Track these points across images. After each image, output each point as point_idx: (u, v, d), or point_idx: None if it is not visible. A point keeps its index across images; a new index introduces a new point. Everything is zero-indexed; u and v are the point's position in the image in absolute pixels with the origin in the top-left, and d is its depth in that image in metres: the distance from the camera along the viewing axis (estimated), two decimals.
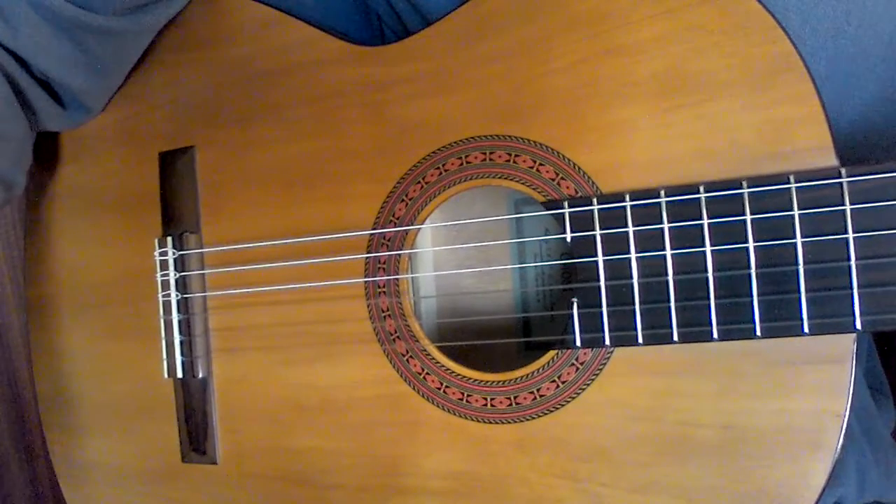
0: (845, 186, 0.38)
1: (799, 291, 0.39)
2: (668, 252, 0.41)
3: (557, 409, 0.45)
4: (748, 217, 0.39)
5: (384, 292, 0.50)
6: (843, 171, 0.38)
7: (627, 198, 0.42)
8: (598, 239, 0.43)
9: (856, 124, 0.41)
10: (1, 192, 0.54)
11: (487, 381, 0.47)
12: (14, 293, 0.91)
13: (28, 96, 0.53)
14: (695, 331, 0.41)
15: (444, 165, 0.48)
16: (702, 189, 0.40)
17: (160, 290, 0.57)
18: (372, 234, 0.50)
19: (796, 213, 0.38)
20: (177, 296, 0.57)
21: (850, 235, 0.38)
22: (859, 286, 0.38)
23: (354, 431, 0.51)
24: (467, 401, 0.48)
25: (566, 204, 0.44)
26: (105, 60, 0.55)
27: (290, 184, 0.53)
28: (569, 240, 0.44)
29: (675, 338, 0.41)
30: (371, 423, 0.51)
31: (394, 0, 0.61)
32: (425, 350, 0.49)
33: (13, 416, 0.92)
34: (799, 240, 0.39)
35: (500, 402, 0.47)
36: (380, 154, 0.50)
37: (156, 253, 0.57)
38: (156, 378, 0.58)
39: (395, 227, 0.50)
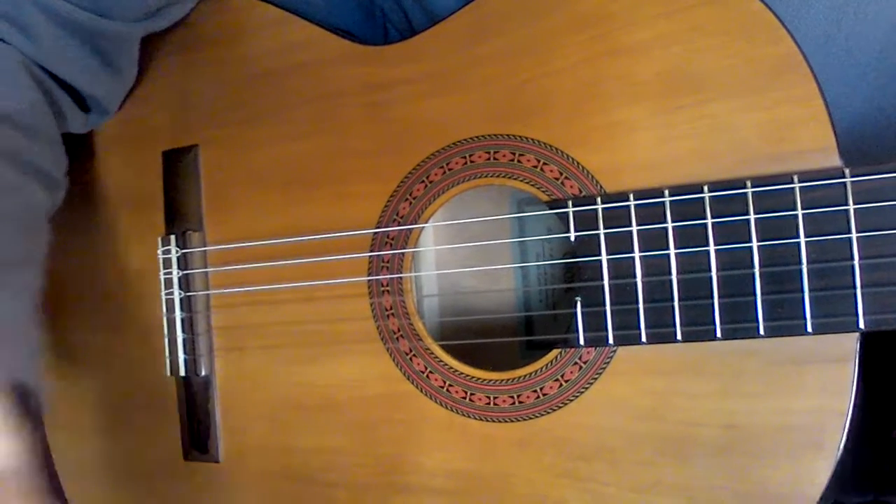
0: (849, 186, 0.38)
1: (802, 291, 0.39)
2: (672, 251, 0.41)
3: (560, 408, 0.45)
4: (752, 216, 0.39)
5: (388, 291, 0.50)
6: (847, 171, 0.38)
7: (631, 197, 0.42)
8: (602, 238, 0.43)
9: (847, 133, 0.41)
10: (48, 197, 0.54)
11: (490, 380, 0.47)
12: None
13: (57, 102, 0.54)
14: (698, 330, 0.41)
15: (448, 164, 0.48)
16: (706, 189, 0.40)
17: (163, 288, 0.57)
18: (376, 233, 0.50)
19: (800, 212, 0.39)
20: (179, 294, 0.57)
21: (854, 235, 0.38)
22: (863, 286, 0.38)
23: (357, 430, 0.51)
24: (470, 399, 0.48)
25: (570, 203, 0.44)
26: (123, 65, 0.55)
27: (293, 182, 0.53)
28: (573, 239, 0.44)
29: (679, 337, 0.41)
30: (374, 422, 0.51)
31: None
32: (429, 349, 0.49)
33: None
34: (802, 239, 0.39)
35: (503, 401, 0.47)
36: (384, 153, 0.50)
37: (159, 251, 0.57)
38: (158, 376, 0.58)
39: (398, 225, 0.50)
